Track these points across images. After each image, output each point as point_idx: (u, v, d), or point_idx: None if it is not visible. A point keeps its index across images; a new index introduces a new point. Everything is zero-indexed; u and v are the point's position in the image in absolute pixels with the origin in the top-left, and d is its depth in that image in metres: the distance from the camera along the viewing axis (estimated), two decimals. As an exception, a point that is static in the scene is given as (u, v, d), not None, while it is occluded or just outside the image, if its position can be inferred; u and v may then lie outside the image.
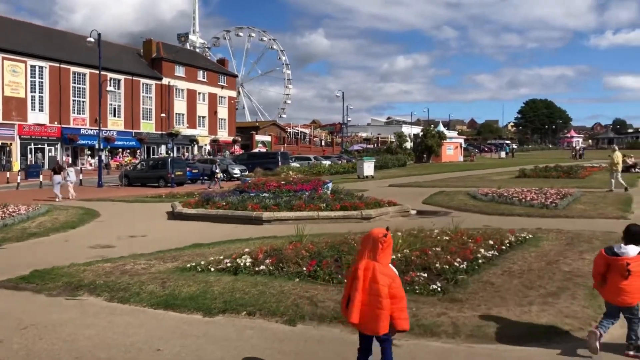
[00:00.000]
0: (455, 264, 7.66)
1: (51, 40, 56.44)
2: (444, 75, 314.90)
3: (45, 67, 52.82)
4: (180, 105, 69.74)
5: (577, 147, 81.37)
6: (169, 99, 65.56)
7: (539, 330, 5.59)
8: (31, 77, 51.67)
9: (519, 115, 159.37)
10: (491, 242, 9.20)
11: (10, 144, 49.38)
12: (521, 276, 7.54)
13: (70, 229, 13.98)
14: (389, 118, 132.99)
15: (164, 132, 62.85)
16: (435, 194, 20.65)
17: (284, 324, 6.00)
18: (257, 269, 7.84)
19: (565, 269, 7.97)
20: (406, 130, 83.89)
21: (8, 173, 36.49)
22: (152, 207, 18.74)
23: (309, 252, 8.33)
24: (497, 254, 8.77)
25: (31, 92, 51.71)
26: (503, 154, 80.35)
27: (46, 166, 45.86)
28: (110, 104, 59.46)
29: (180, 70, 69.97)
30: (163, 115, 64.45)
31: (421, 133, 63.08)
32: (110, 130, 57.81)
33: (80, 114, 56.82)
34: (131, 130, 62.33)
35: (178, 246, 10.59)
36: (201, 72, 74.03)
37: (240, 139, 76.17)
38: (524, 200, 16.49)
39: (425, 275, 7.21)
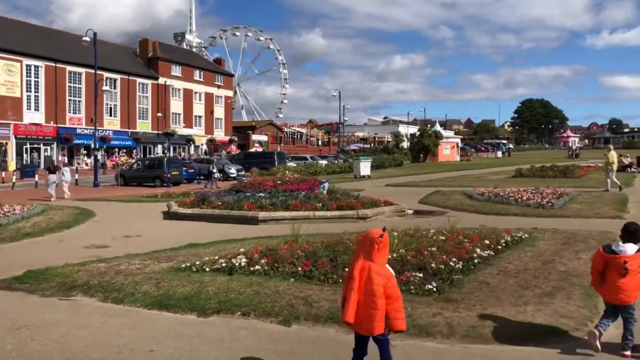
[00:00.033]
0: (451, 263, 7.64)
1: (47, 39, 56.27)
2: (440, 75, 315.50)
3: (41, 67, 52.64)
4: (176, 105, 69.60)
5: (574, 147, 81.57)
6: (165, 99, 65.40)
7: (534, 330, 5.57)
8: (27, 76, 51.47)
9: (516, 115, 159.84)
10: (487, 241, 9.19)
11: (6, 143, 49.20)
12: (517, 276, 7.53)
13: (65, 229, 13.91)
14: (385, 118, 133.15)
15: (160, 132, 62.72)
16: (431, 193, 20.65)
17: (278, 325, 5.97)
18: (252, 269, 7.80)
19: (561, 269, 7.96)
20: (403, 130, 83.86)
21: (4, 173, 36.32)
22: (148, 207, 18.68)
23: (305, 252, 8.30)
24: (493, 253, 8.76)
25: (27, 91, 51.52)
26: (499, 154, 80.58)
27: (42, 166, 45.68)
28: (107, 104, 59.31)
29: (176, 70, 69.82)
30: (159, 114, 64.31)
31: (418, 133, 63.13)
32: (106, 130, 57.66)
33: (76, 113, 56.64)
34: (127, 130, 62.18)
35: (173, 246, 10.55)
36: (197, 71, 73.90)
37: (236, 139, 76.05)
38: (520, 199, 16.50)
39: (421, 275, 7.19)
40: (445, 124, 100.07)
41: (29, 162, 47.88)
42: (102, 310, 6.68)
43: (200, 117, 73.78)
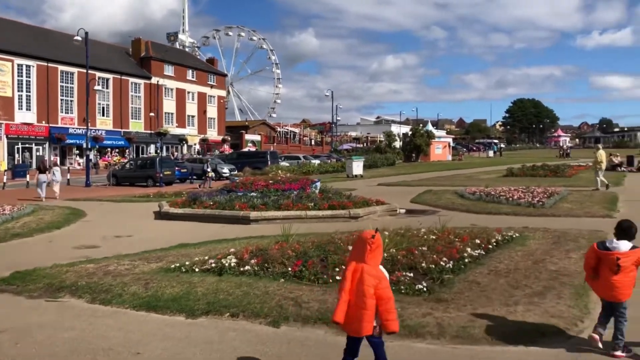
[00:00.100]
0: (442, 263, 7.63)
1: (39, 39, 55.88)
2: (433, 75, 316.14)
3: (33, 66, 52.28)
4: (169, 105, 69.33)
5: (564, 146, 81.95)
6: (158, 98, 65.10)
7: (524, 330, 5.54)
8: (18, 76, 51.09)
9: (507, 115, 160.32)
10: (478, 241, 9.18)
11: (-3, 143, 48.86)
12: (507, 275, 7.53)
13: (55, 229, 13.79)
14: (378, 117, 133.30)
15: (152, 132, 62.43)
16: (423, 192, 20.66)
17: (267, 326, 5.92)
18: (242, 269, 7.75)
19: (551, 268, 7.96)
20: (395, 129, 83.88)
21: (-6, 173, 36.08)
22: (140, 207, 18.57)
23: (295, 252, 8.26)
24: (483, 253, 8.76)
25: (18, 91, 51.14)
26: (491, 153, 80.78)
27: (34, 166, 45.37)
28: (99, 103, 58.99)
29: (169, 70, 69.54)
30: (152, 114, 64.02)
31: (410, 132, 63.22)
32: (98, 130, 57.35)
33: (68, 113, 56.29)
34: (120, 130, 61.85)
35: (164, 246, 10.48)
36: (190, 71, 73.64)
37: (229, 138, 75.83)
38: (511, 199, 16.53)
39: (411, 274, 7.17)
40: (437, 124, 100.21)
41: (20, 162, 47.52)
42: (90, 311, 6.61)
43: (193, 116, 73.53)
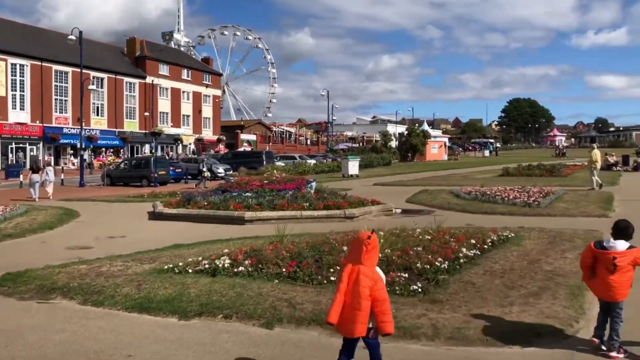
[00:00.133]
0: (437, 263, 7.58)
1: (33, 38, 55.64)
2: (428, 74, 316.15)
3: (27, 65, 52.04)
4: (164, 104, 69.14)
5: (560, 146, 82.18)
6: (152, 98, 64.94)
7: (520, 331, 5.50)
8: (12, 75, 50.86)
9: (503, 114, 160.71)
10: (473, 241, 9.15)
11: (-10, 143, 48.61)
12: (503, 276, 7.49)
13: (48, 229, 13.68)
14: (374, 117, 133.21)
15: (147, 131, 62.28)
16: (419, 192, 20.63)
17: (261, 327, 5.86)
18: (235, 270, 7.69)
19: (546, 268, 7.94)
20: (391, 129, 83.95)
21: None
22: (134, 207, 18.47)
23: (290, 252, 8.20)
24: (479, 253, 8.73)
25: (12, 90, 50.91)
26: (487, 153, 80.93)
27: (28, 166, 45.17)
28: (93, 103, 58.73)
29: (164, 69, 69.35)
30: (147, 114, 63.84)
31: (406, 132, 63.25)
32: (93, 130, 57.10)
33: (62, 113, 56.07)
34: (114, 130, 61.64)
35: (157, 247, 10.41)
36: (185, 70, 73.45)
37: (225, 138, 75.69)
38: (506, 198, 16.52)
39: (406, 275, 7.12)
40: (433, 124, 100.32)
41: (14, 162, 47.28)
42: (81, 313, 6.53)
43: (188, 116, 73.35)
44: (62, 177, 32.81)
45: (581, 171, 30.63)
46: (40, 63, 53.10)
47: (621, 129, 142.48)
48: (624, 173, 31.68)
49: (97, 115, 60.16)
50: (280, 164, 40.75)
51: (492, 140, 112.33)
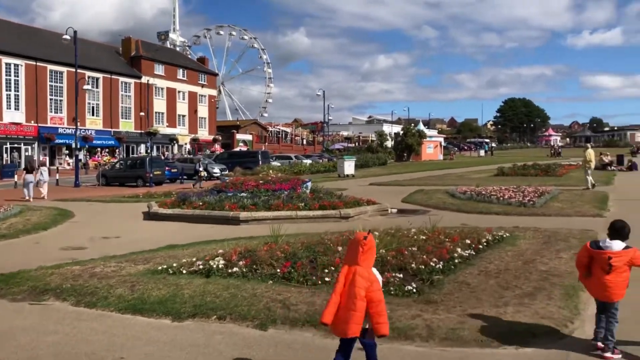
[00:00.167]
0: (432, 263, 7.57)
1: (28, 37, 55.40)
2: (424, 74, 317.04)
3: (21, 65, 51.81)
4: (159, 104, 68.96)
5: (555, 145, 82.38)
6: (148, 98, 64.73)
7: (514, 332, 5.48)
8: (6, 75, 50.62)
9: (498, 114, 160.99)
10: (468, 241, 9.14)
11: (-15, 143, 48.37)
12: (497, 276, 7.48)
13: (41, 230, 13.61)
14: (370, 117, 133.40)
15: (143, 131, 62.07)
16: (414, 192, 20.63)
17: (254, 329, 5.82)
18: (230, 271, 7.65)
19: (541, 268, 7.93)
20: (387, 129, 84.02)
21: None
22: (129, 208, 18.40)
23: (284, 253, 8.17)
24: (473, 253, 8.72)
25: (6, 90, 50.66)
26: (482, 153, 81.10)
27: (22, 166, 44.96)
28: (89, 103, 58.53)
29: (159, 69, 69.17)
30: (142, 114, 63.65)
31: (402, 132, 63.30)
32: (88, 130, 56.94)
33: (57, 112, 55.85)
34: (110, 129, 61.47)
35: (152, 248, 10.36)
36: (181, 70, 73.30)
37: (220, 138, 75.56)
38: (502, 198, 16.52)
39: (401, 275, 7.11)
40: (428, 123, 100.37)
41: (9, 162, 47.06)
42: (74, 314, 6.48)
43: (183, 116, 73.20)
44: (57, 177, 32.69)
45: (576, 171, 30.69)
46: (35, 63, 52.88)
47: (616, 128, 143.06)
48: (618, 172, 31.78)
49: (93, 115, 59.96)
50: (276, 164, 40.73)
51: (487, 140, 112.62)
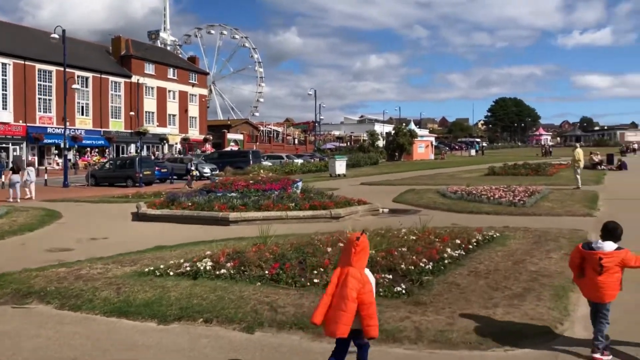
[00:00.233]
0: (421, 264, 7.51)
1: (16, 36, 54.90)
2: (415, 74, 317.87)
3: (9, 64, 51.33)
4: (150, 104, 68.59)
5: (546, 145, 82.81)
6: (138, 97, 64.37)
7: (503, 334, 5.42)
8: (-6, 74, 50.20)
9: (489, 114, 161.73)
10: (458, 241, 9.09)
11: (-28, 143, 47.87)
12: (487, 277, 7.43)
13: (28, 231, 13.41)
14: (361, 116, 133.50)
15: (133, 131, 61.69)
16: (405, 192, 20.60)
17: (241, 332, 5.73)
18: (217, 272, 7.55)
19: (531, 269, 7.89)
20: (378, 128, 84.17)
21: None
22: (118, 208, 18.22)
23: (273, 254, 8.08)
24: (463, 253, 8.68)
25: (-6, 89, 50.24)
26: (473, 152, 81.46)
27: (10, 166, 44.50)
28: (78, 102, 58.07)
29: (150, 68, 68.79)
30: (132, 113, 63.27)
31: (393, 131, 63.39)
32: (78, 129, 56.45)
33: (46, 112, 55.40)
34: (100, 129, 61.04)
35: (139, 249, 10.22)
36: (171, 69, 72.93)
37: (211, 138, 75.26)
38: (492, 198, 16.52)
39: (390, 276, 7.04)
40: (420, 123, 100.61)
41: (-4, 162, 46.62)
42: (58, 318, 6.36)
43: (174, 115, 72.85)
44: (46, 178, 32.40)
45: (566, 170, 30.79)
46: (23, 62, 52.42)
47: (606, 128, 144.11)
48: (608, 172, 31.95)
49: (82, 114, 59.52)
50: (267, 163, 40.60)
51: (478, 140, 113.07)
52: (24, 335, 5.76)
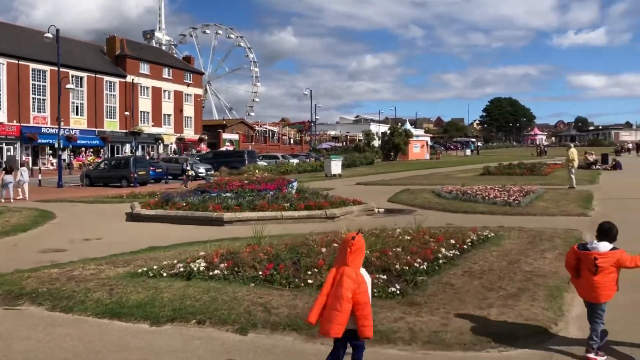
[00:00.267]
0: (416, 264, 7.49)
1: (10, 36, 54.59)
2: (411, 74, 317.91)
3: (3, 64, 51.06)
4: (145, 103, 68.37)
5: (541, 145, 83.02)
6: (133, 97, 64.12)
7: (498, 334, 5.40)
8: (-13, 73, 49.91)
9: (484, 114, 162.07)
10: (453, 241, 9.07)
11: (-34, 143, 47.59)
12: (482, 277, 7.41)
13: (20, 232, 13.33)
14: (357, 116, 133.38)
15: (128, 131, 61.53)
16: (400, 192, 20.59)
17: (234, 333, 5.69)
18: (211, 273, 7.50)
19: (526, 269, 7.88)
20: (374, 128, 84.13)
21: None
22: (112, 208, 18.14)
23: (267, 255, 8.03)
24: (458, 253, 8.66)
25: (-12, 89, 49.96)
26: (468, 152, 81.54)
27: (3, 166, 44.29)
28: (73, 102, 57.86)
29: (145, 68, 68.57)
30: (127, 113, 63.04)
31: (389, 131, 63.45)
32: (72, 129, 56.26)
33: (40, 112, 55.13)
34: (94, 129, 60.81)
35: (133, 249, 10.17)
36: (166, 69, 72.73)
37: (206, 138, 75.13)
38: (487, 197, 16.52)
39: (385, 277, 7.01)
40: (415, 123, 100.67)
41: (-10, 162, 46.40)
42: (49, 319, 6.30)
43: (169, 115, 72.65)
44: (40, 178, 32.28)
45: (561, 170, 30.84)
46: (17, 61, 52.17)
47: (600, 127, 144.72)
48: (603, 172, 32.01)
49: (77, 114, 59.29)
50: (262, 163, 40.48)
51: (473, 140, 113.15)
52: (15, 337, 5.70)
